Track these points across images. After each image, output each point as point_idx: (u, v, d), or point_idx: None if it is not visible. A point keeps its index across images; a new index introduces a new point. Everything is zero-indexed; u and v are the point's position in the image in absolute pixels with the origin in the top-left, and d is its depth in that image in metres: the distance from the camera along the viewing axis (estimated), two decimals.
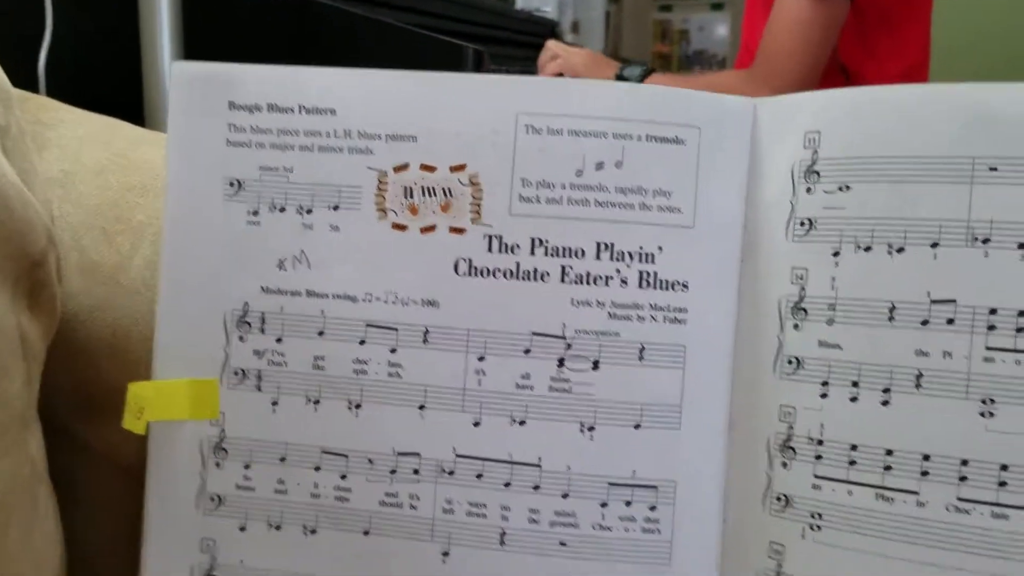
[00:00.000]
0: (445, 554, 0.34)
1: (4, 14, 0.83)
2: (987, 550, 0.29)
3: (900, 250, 0.31)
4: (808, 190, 0.33)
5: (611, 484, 0.34)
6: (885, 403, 0.31)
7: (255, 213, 0.35)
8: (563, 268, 0.34)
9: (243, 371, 0.35)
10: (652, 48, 3.14)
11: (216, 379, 0.35)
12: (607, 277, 0.34)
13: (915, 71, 1.19)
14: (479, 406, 0.34)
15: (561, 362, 0.34)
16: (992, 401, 0.29)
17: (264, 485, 0.35)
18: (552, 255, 0.34)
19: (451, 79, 0.35)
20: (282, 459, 0.35)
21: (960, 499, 0.30)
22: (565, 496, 0.34)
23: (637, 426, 0.34)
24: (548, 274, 0.34)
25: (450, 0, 1.23)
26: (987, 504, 0.29)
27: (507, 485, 0.34)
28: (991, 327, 0.30)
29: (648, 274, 0.34)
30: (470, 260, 0.34)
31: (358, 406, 0.34)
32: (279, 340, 0.35)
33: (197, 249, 0.35)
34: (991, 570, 0.29)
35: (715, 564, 0.34)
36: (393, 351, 0.34)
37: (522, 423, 0.34)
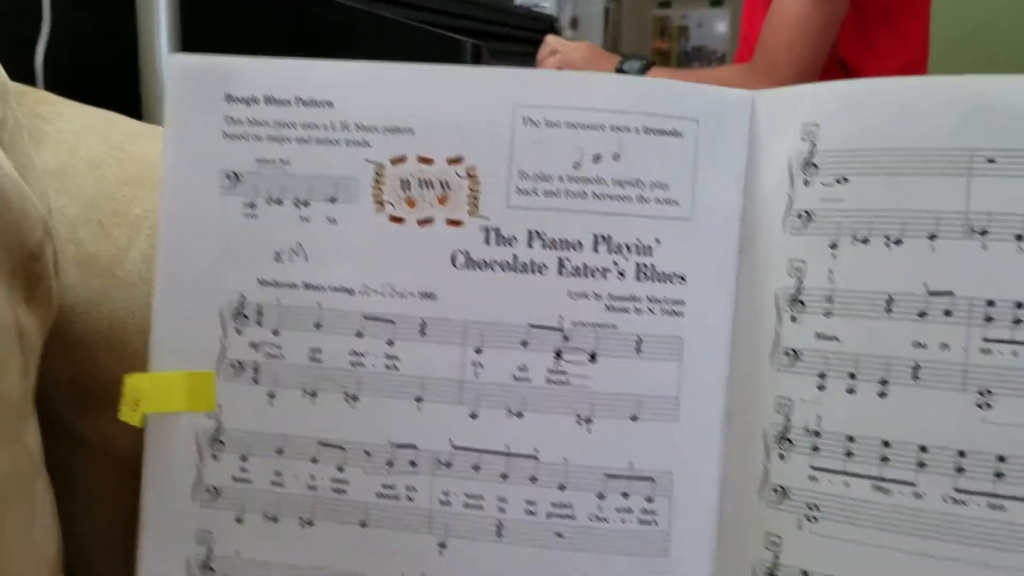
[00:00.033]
0: (442, 545, 0.34)
1: (2, 9, 0.82)
2: (984, 541, 0.29)
3: (898, 242, 0.31)
4: (806, 182, 0.33)
5: (608, 476, 0.34)
6: (882, 395, 0.31)
7: (252, 206, 0.35)
8: (560, 260, 0.34)
9: (240, 363, 0.35)
10: (651, 44, 3.13)
11: (212, 371, 0.35)
12: (604, 269, 0.34)
13: (914, 66, 1.19)
14: (476, 398, 0.34)
15: (558, 354, 0.34)
16: (989, 393, 0.29)
17: (261, 477, 0.35)
18: (549, 247, 0.34)
19: (448, 71, 0.35)
20: (279, 451, 0.35)
21: (957, 490, 0.30)
22: (562, 488, 0.34)
23: (634, 418, 0.34)
24: (545, 266, 0.34)
25: None
26: (984, 495, 0.29)
27: (504, 477, 0.34)
28: (988, 319, 0.30)
29: (645, 266, 0.34)
30: (467, 252, 0.34)
31: (355, 398, 0.34)
32: (276, 332, 0.35)
33: (194, 242, 0.35)
34: (988, 561, 0.29)
35: (712, 556, 0.34)
36: (390, 343, 0.34)
37: (519, 415, 0.34)
